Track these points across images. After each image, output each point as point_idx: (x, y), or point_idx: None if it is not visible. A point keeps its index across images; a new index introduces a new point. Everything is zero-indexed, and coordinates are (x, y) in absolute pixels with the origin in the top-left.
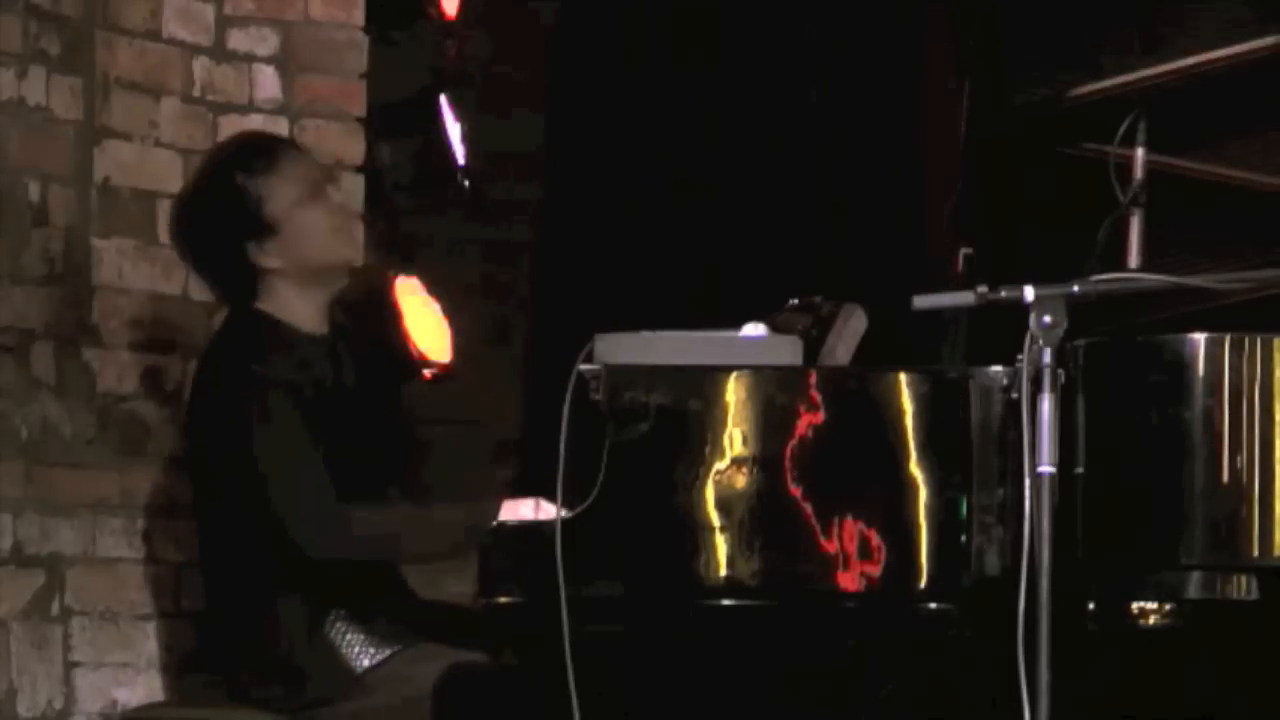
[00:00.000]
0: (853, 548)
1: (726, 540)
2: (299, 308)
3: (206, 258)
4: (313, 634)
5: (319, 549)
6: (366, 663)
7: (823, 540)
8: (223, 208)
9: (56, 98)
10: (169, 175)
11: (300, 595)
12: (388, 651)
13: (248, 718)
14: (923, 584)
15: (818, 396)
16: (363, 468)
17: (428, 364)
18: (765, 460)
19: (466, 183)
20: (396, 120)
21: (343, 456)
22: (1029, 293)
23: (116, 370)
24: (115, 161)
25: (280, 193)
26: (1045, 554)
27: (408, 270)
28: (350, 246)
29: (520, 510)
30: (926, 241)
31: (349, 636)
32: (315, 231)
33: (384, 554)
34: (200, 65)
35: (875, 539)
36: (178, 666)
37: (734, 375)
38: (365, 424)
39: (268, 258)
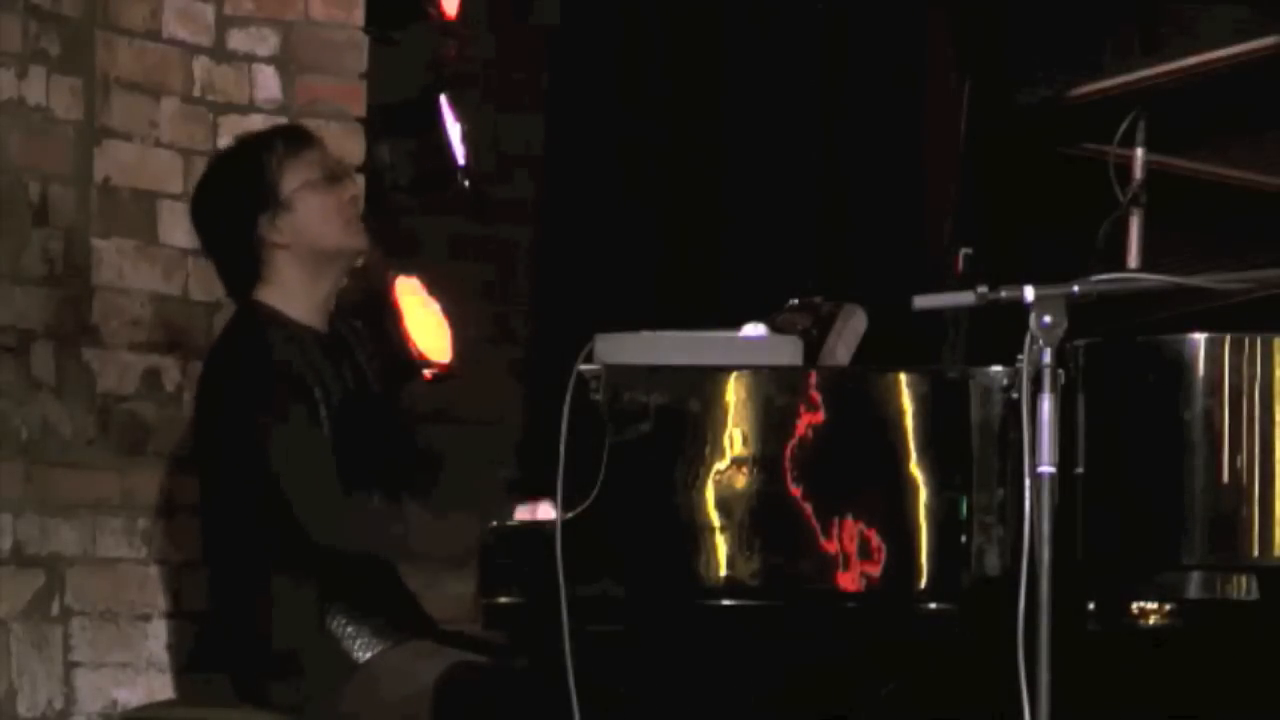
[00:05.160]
0: (853, 548)
1: (726, 540)
2: (301, 297)
3: (218, 230)
4: (315, 627)
5: (326, 537)
6: (367, 655)
7: (823, 540)
8: (240, 179)
9: (56, 98)
10: (169, 175)
11: (302, 588)
12: (388, 643)
13: (249, 717)
14: (923, 584)
15: (818, 396)
16: (360, 462)
17: (428, 364)
18: (765, 460)
19: (466, 183)
20: (396, 120)
21: (341, 450)
22: (1029, 293)
23: (116, 370)
24: (115, 161)
25: (297, 172)
26: (1045, 554)
27: (408, 270)
28: (360, 239)
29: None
30: (926, 241)
31: (350, 629)
32: (327, 213)
33: (381, 549)
34: (200, 65)
35: (875, 539)
36: (179, 666)
37: (734, 375)
38: (365, 422)
39: (278, 233)
